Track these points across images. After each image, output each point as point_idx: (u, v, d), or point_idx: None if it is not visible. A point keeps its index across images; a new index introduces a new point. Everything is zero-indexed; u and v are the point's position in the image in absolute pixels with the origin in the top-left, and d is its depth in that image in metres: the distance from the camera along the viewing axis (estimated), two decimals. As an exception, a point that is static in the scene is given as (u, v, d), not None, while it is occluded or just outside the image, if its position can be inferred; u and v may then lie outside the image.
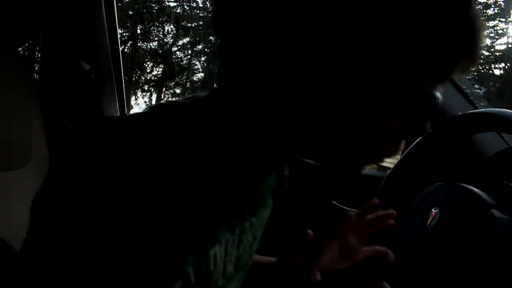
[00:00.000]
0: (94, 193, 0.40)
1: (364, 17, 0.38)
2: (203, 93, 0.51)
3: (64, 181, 0.42)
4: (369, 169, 1.50)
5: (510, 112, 0.80)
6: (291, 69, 0.41)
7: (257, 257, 0.75)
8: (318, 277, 0.43)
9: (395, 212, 0.62)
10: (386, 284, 0.44)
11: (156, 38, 2.34)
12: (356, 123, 0.43)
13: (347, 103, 0.42)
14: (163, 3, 2.27)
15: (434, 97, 0.45)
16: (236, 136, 0.48)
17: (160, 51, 2.34)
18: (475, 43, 0.40)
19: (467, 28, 0.40)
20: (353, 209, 1.30)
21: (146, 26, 2.20)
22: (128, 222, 0.40)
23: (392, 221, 0.62)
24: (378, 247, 0.42)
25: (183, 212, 0.44)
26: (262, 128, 0.47)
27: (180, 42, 2.35)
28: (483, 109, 0.91)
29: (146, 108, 0.51)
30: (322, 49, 0.40)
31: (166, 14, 2.23)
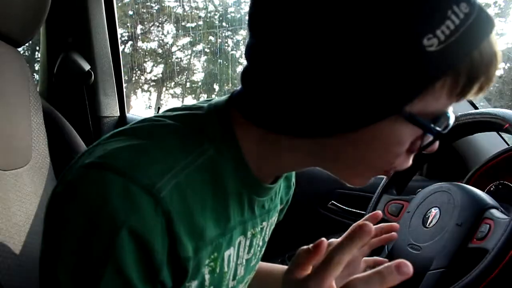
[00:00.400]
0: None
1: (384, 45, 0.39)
2: (222, 98, 0.51)
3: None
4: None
5: (510, 112, 0.80)
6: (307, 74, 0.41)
7: (268, 265, 0.75)
8: (334, 286, 0.43)
9: (398, 225, 0.62)
10: None
11: (156, 38, 2.33)
12: (369, 130, 0.43)
13: (359, 106, 0.41)
14: (163, 3, 2.26)
15: (448, 116, 0.45)
16: (252, 142, 0.48)
17: (160, 51, 2.34)
18: (492, 66, 0.42)
19: (487, 52, 0.42)
20: (353, 209, 1.30)
21: (146, 26, 2.20)
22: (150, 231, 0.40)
23: (395, 234, 0.62)
24: (400, 261, 0.41)
25: (202, 214, 0.45)
26: (276, 134, 0.46)
27: (180, 42, 2.35)
28: (483, 109, 0.91)
29: (163, 111, 0.51)
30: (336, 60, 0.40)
31: (166, 14, 2.23)
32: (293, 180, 0.67)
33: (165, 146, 0.44)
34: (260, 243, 0.59)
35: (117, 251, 0.38)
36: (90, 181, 0.40)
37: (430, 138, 0.46)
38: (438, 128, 0.44)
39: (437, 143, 0.47)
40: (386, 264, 0.41)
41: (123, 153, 0.42)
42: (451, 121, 0.46)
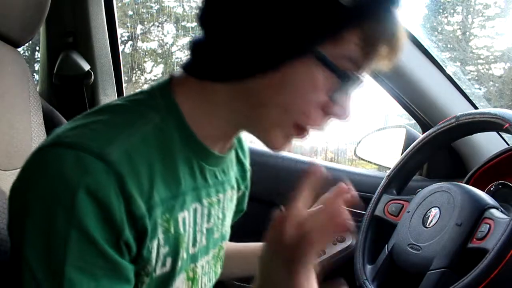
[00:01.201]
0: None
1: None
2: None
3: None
4: (368, 169, 1.50)
5: (510, 112, 0.80)
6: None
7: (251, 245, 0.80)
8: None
9: (347, 186, 0.55)
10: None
11: (156, 38, 2.34)
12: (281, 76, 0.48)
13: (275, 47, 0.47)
14: (163, 3, 2.27)
15: (355, 78, 0.50)
16: (190, 103, 0.53)
17: (160, 51, 2.34)
18: (395, 39, 0.50)
19: (391, 23, 0.49)
20: (353, 209, 1.29)
21: (146, 26, 2.20)
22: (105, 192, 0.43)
23: (353, 193, 0.55)
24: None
25: (150, 176, 0.48)
26: (209, 85, 0.52)
27: (180, 42, 2.35)
28: (483, 109, 0.91)
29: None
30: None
31: (166, 14, 2.23)
32: (247, 164, 0.72)
33: (112, 120, 0.49)
34: (220, 216, 0.63)
35: (78, 213, 0.42)
36: (44, 159, 0.45)
37: (342, 91, 0.50)
38: (348, 73, 0.49)
39: (349, 103, 0.52)
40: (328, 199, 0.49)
41: (72, 131, 0.47)
42: (362, 81, 0.51)
